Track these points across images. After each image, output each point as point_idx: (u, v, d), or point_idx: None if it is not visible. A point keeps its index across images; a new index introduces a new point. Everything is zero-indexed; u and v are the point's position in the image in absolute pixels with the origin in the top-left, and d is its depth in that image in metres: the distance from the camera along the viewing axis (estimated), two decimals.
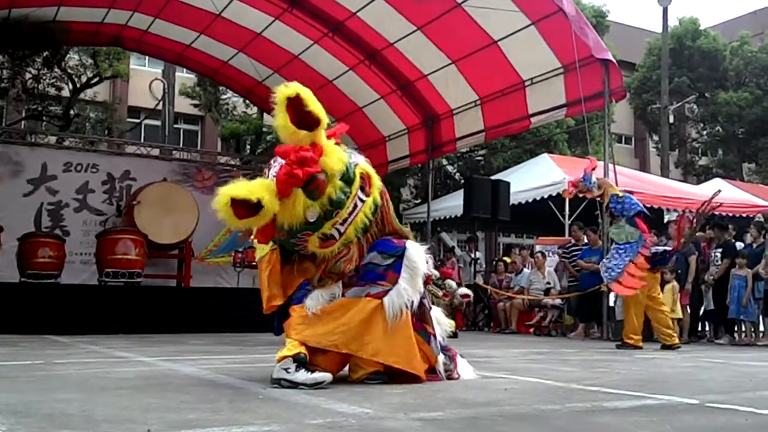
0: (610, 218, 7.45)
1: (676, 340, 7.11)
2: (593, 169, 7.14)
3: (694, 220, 7.31)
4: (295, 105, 3.00)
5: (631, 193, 7.36)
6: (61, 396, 2.86)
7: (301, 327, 3.28)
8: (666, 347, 6.94)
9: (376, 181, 3.40)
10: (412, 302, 3.41)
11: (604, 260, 7.26)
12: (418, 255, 3.43)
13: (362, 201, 3.29)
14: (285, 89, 2.98)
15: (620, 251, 6.89)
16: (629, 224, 6.87)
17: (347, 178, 3.21)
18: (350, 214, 3.24)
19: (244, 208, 2.91)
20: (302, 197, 3.06)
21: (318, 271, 3.36)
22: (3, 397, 2.79)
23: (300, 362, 3.16)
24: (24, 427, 2.16)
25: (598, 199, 7.47)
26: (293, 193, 3.03)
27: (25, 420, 2.28)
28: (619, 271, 6.80)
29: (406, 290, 3.36)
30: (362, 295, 3.33)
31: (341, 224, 3.23)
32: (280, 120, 3.01)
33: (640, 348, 6.86)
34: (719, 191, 7.66)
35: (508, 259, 11.94)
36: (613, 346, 7.22)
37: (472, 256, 11.90)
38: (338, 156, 3.17)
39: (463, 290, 4.57)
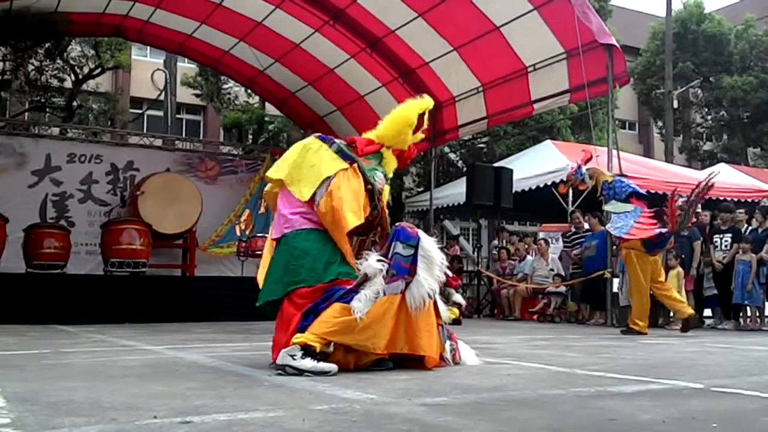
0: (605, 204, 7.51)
1: (690, 310, 7.23)
2: (587, 160, 7.17)
3: (686, 203, 7.29)
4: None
5: (624, 176, 7.37)
6: (68, 384, 2.87)
7: (341, 331, 3.23)
8: (685, 327, 7.02)
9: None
10: (434, 291, 3.46)
11: (609, 225, 7.35)
12: (430, 245, 3.49)
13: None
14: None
15: (622, 216, 7.02)
16: (624, 202, 6.99)
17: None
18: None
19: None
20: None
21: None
22: (11, 385, 2.81)
23: (307, 351, 3.17)
24: (31, 414, 2.18)
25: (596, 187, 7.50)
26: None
27: (32, 408, 2.29)
28: (628, 228, 6.89)
29: (426, 280, 3.39)
30: (398, 292, 3.36)
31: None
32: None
33: (645, 334, 6.87)
34: (715, 174, 7.60)
35: (496, 243, 11.99)
36: (617, 332, 7.23)
37: (496, 243, 11.86)
38: None
39: (458, 298, 4.48)
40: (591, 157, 7.26)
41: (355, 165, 3.56)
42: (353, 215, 3.39)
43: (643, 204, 7.06)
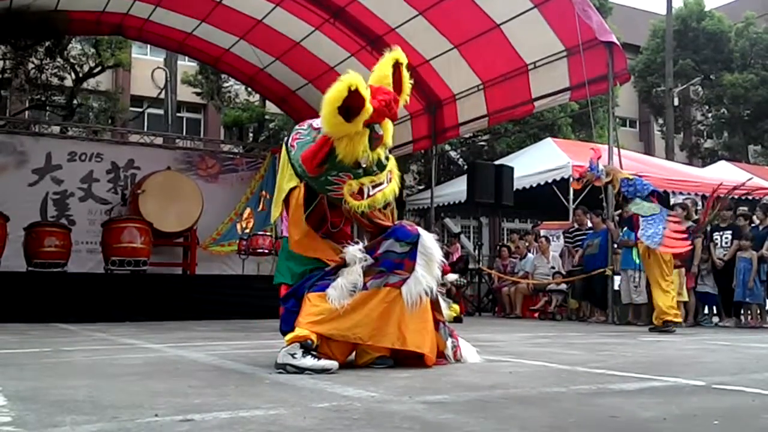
0: (623, 202, 7.46)
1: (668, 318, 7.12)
2: (599, 158, 7.14)
3: (721, 203, 7.33)
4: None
5: (639, 176, 7.35)
6: (69, 382, 2.87)
7: (321, 318, 3.23)
8: (654, 329, 6.95)
9: (397, 176, 3.52)
10: (431, 288, 3.43)
11: (640, 232, 7.08)
12: (431, 242, 3.46)
13: (390, 180, 3.42)
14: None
15: (650, 221, 6.90)
16: (645, 200, 6.96)
17: (386, 155, 3.42)
18: (382, 183, 3.34)
19: (350, 106, 2.99)
20: (366, 138, 3.16)
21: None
22: (11, 384, 2.81)
23: (307, 348, 3.17)
24: (32, 413, 2.18)
25: (609, 186, 7.47)
26: (361, 132, 3.12)
27: (33, 406, 2.29)
28: (659, 238, 6.82)
29: (424, 277, 3.37)
30: (382, 286, 3.32)
31: (374, 187, 3.30)
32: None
33: (679, 322, 6.90)
34: (751, 178, 7.66)
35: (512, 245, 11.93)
36: (618, 330, 7.22)
37: (537, 245, 11.70)
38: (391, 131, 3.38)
39: (452, 276, 4.47)
40: (600, 156, 7.27)
41: (302, 184, 3.37)
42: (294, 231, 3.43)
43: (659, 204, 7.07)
